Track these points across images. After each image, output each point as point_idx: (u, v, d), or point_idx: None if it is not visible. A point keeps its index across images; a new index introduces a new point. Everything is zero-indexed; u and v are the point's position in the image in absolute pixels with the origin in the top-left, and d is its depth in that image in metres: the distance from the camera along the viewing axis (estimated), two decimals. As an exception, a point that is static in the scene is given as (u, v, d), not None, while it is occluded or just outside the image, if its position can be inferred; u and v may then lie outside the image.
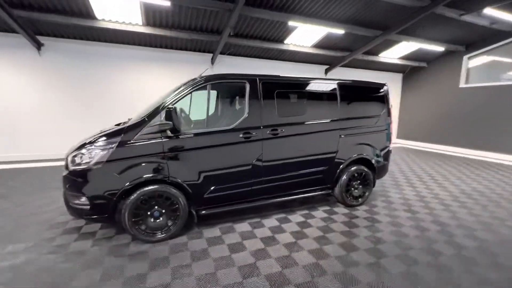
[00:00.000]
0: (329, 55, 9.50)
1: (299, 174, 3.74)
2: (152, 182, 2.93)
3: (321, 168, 3.90)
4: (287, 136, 3.55)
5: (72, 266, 2.55)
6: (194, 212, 3.20)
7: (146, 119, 2.95)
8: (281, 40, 8.42)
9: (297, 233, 3.31)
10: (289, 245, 3.01)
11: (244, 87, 3.37)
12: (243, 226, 3.47)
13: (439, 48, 9.52)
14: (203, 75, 3.36)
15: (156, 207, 2.97)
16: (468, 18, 7.10)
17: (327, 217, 3.82)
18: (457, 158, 8.99)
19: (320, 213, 3.98)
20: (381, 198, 4.72)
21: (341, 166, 4.03)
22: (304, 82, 3.74)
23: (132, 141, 2.85)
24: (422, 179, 6.06)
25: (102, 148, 2.80)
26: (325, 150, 3.88)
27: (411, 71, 12.20)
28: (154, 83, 8.30)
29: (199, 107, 4.36)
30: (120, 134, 2.85)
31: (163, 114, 2.90)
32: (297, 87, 3.67)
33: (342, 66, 10.63)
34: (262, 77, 3.46)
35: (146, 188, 2.87)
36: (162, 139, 2.94)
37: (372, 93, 4.33)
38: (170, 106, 2.90)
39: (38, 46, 6.91)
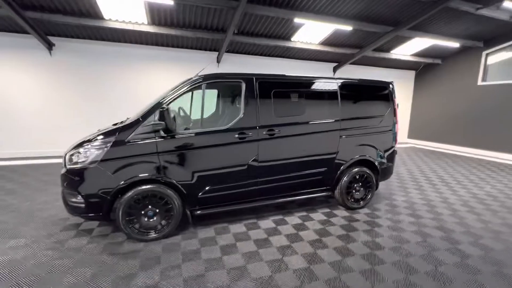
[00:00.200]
0: (337, 52, 9.26)
1: (296, 176, 3.67)
2: (146, 182, 2.95)
3: (320, 170, 3.80)
4: (284, 136, 3.47)
5: (66, 263, 2.61)
6: (189, 212, 3.20)
7: (141, 119, 2.96)
8: (287, 38, 8.29)
9: (292, 236, 3.25)
10: (282, 248, 2.95)
11: (240, 87, 3.32)
12: (239, 227, 3.45)
13: (454, 44, 9.07)
14: (200, 74, 3.34)
15: (150, 206, 2.99)
16: (486, 11, 6.70)
17: (326, 220, 3.73)
18: (472, 159, 8.59)
19: (318, 215, 3.89)
20: (385, 201, 4.56)
21: (341, 168, 3.92)
22: (303, 81, 3.64)
23: (126, 141, 2.88)
24: (431, 181, 5.82)
25: (97, 147, 2.84)
26: (325, 151, 3.77)
27: (425, 69, 11.73)
28: (161, 81, 8.39)
29: (200, 107, 4.38)
30: (115, 134, 2.88)
31: (157, 114, 2.90)
32: (295, 86, 3.58)
33: (352, 63, 10.36)
34: (259, 76, 3.40)
35: (140, 188, 2.89)
36: (156, 139, 2.95)
37: (376, 92, 4.17)
38: (162, 106, 2.89)
39: (50, 46, 7.14)
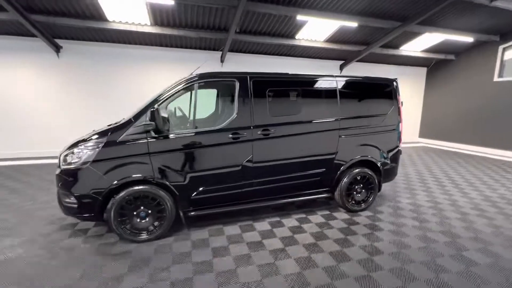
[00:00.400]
0: (344, 49, 9.03)
1: (293, 177, 3.56)
2: (138, 183, 2.92)
3: (318, 171, 3.68)
4: (279, 136, 3.37)
5: (58, 263, 2.62)
6: (182, 214, 3.16)
7: (132, 119, 2.95)
8: (291, 36, 8.15)
9: (287, 239, 3.15)
10: (275, 252, 2.86)
11: (234, 86, 3.25)
12: (233, 229, 3.38)
13: (468, 39, 8.65)
14: (195, 73, 3.29)
15: (142, 207, 2.97)
16: (501, 3, 6.33)
17: (324, 223, 3.60)
18: (487, 159, 8.17)
19: (317, 217, 3.77)
20: (388, 203, 4.38)
21: (341, 169, 3.78)
22: (299, 79, 3.52)
23: (118, 141, 2.86)
24: (440, 183, 5.56)
25: (89, 148, 2.84)
26: (323, 151, 3.65)
27: (437, 65, 11.28)
28: (165, 82, 8.40)
29: (200, 107, 4.35)
30: (107, 135, 2.88)
31: (148, 114, 2.88)
32: (290, 84, 3.47)
33: (359, 61, 10.09)
34: (253, 75, 3.31)
35: (131, 189, 2.87)
36: (147, 139, 2.92)
37: (378, 90, 4.00)
38: (153, 106, 2.86)
39: (57, 49, 7.31)
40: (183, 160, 3.05)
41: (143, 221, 3.00)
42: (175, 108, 3.90)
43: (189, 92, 3.60)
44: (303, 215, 3.83)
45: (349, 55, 9.73)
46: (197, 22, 6.97)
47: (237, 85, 3.23)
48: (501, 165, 7.33)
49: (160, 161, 2.96)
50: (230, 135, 3.17)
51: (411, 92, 11.86)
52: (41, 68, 7.41)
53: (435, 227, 3.50)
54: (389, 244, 3.04)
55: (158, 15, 6.56)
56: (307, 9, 6.50)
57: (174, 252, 2.85)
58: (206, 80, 3.19)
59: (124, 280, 2.37)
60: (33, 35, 6.77)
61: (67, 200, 2.89)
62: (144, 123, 2.88)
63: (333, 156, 3.71)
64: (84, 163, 2.81)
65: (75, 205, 2.85)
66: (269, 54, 9.39)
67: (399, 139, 4.18)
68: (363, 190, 3.97)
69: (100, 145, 2.83)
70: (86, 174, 2.81)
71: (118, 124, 2.97)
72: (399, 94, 4.14)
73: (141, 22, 6.79)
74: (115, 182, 2.81)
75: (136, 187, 2.89)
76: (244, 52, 9.09)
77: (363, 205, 3.95)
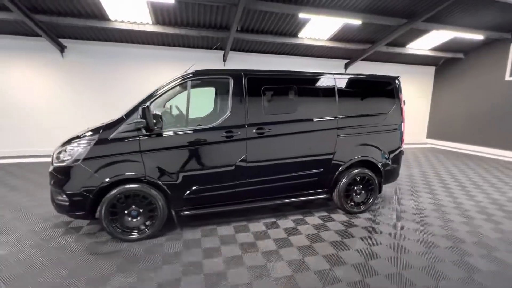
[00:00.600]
0: (348, 48, 8.87)
1: (289, 177, 3.46)
2: (129, 181, 2.89)
3: (315, 171, 3.58)
4: (274, 135, 3.29)
5: (47, 261, 2.60)
6: (174, 213, 3.11)
7: (124, 117, 2.92)
8: (294, 34, 8.04)
9: (281, 241, 3.06)
10: (268, 254, 2.78)
11: (228, 83, 3.18)
12: (227, 230, 3.31)
13: (478, 37, 8.36)
14: (189, 71, 3.24)
15: (133, 206, 2.93)
16: (512, -1, 6.07)
17: (321, 224, 3.50)
18: (497, 161, 7.88)
19: (314, 219, 3.67)
20: (390, 205, 4.24)
21: (340, 169, 3.66)
22: (295, 76, 3.43)
23: (109, 139, 2.84)
24: (446, 185, 5.36)
25: (80, 145, 2.82)
26: (320, 151, 3.54)
27: (445, 64, 10.96)
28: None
29: (199, 105, 4.31)
30: (98, 132, 2.86)
31: (140, 112, 2.83)
32: (287, 82, 3.38)
33: (364, 60, 9.89)
34: (248, 72, 3.24)
35: (122, 187, 2.83)
36: (140, 137, 2.88)
37: (378, 88, 3.87)
38: (144, 104, 2.81)
39: (62, 48, 7.41)
40: (175, 158, 3.00)
41: (135, 220, 2.96)
42: (170, 106, 3.86)
43: (185, 90, 3.57)
44: (300, 216, 3.74)
45: (353, 53, 9.55)
46: (199, 20, 6.95)
47: (231, 82, 3.17)
48: (512, 167, 7.05)
49: (152, 159, 2.92)
50: (223, 134, 3.10)
51: (419, 91, 11.57)
52: (45, 67, 7.52)
53: (438, 231, 3.35)
54: (387, 248, 2.92)
55: (160, 14, 6.56)
56: (309, 7, 6.38)
57: (164, 252, 2.80)
58: (199, 77, 3.14)
59: (111, 280, 2.33)
60: (37, 35, 6.87)
61: (59, 198, 2.88)
62: (135, 120, 2.85)
63: (331, 156, 3.60)
64: (76, 160, 2.79)
65: (67, 203, 2.83)
66: (272, 53, 9.30)
67: (401, 139, 4.04)
68: (363, 192, 3.85)
69: (91, 143, 2.81)
70: (77, 172, 2.79)
71: (110, 121, 2.94)
72: (401, 93, 4.00)
73: (143, 21, 6.81)
74: (106, 180, 2.79)
75: (127, 186, 2.85)
76: (247, 51, 9.03)
77: (362, 207, 3.83)
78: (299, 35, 8.10)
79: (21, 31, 6.87)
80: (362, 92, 3.77)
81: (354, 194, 3.81)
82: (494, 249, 2.93)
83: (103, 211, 2.81)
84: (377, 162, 3.81)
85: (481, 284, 2.33)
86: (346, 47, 8.74)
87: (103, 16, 6.46)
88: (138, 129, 2.86)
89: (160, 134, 2.95)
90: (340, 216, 3.77)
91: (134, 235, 2.95)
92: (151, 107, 2.85)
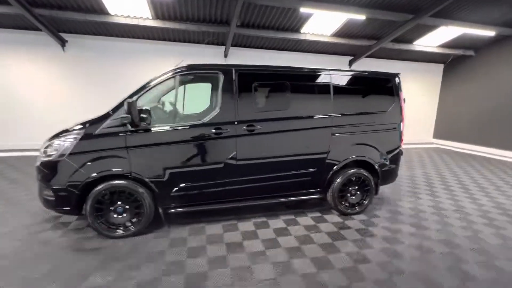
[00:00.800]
0: (352, 44, 8.64)
1: (281, 176, 3.37)
2: (115, 177, 2.84)
3: (308, 170, 3.47)
4: (265, 133, 3.19)
5: (31, 255, 2.59)
6: (161, 210, 3.06)
7: (111, 112, 2.87)
8: (296, 30, 7.87)
9: (269, 241, 2.97)
10: (254, 255, 2.70)
11: (218, 79, 3.09)
12: (215, 228, 3.25)
13: (489, 33, 8.02)
14: (179, 66, 3.16)
15: (119, 202, 2.89)
16: (525, -7, 5.77)
17: (313, 225, 3.40)
18: (506, 163, 7.59)
19: (306, 219, 3.57)
20: (388, 206, 4.10)
21: (334, 168, 3.54)
22: (289, 72, 3.31)
23: (95, 134, 2.79)
24: (449, 186, 5.18)
25: (66, 140, 2.79)
26: (313, 149, 3.43)
27: (455, 61, 10.59)
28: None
29: (197, 101, 4.24)
30: (84, 127, 2.81)
31: (125, 107, 2.77)
32: (279, 78, 3.27)
33: (369, 56, 9.65)
34: (239, 67, 3.14)
35: (108, 183, 2.79)
36: (126, 133, 2.83)
37: (377, 85, 3.71)
38: (130, 99, 2.75)
39: (63, 43, 7.43)
40: (162, 155, 2.94)
41: (120, 216, 2.92)
42: (163, 102, 3.79)
43: (180, 86, 3.50)
44: (292, 217, 3.64)
45: (358, 50, 9.30)
46: (198, 15, 6.85)
47: (221, 77, 3.07)
48: (520, 170, 6.77)
49: (138, 155, 2.86)
50: (212, 131, 3.02)
51: (426, 90, 11.25)
52: (47, 61, 7.57)
53: (435, 235, 3.21)
54: (379, 252, 2.80)
55: (159, 8, 6.50)
56: (311, 1, 6.21)
57: (149, 250, 2.75)
58: (188, 72, 3.05)
59: (91, 277, 2.29)
60: (38, 29, 6.89)
61: (46, 192, 2.86)
62: (121, 115, 2.79)
63: (325, 155, 3.48)
64: (61, 155, 2.76)
65: (53, 198, 2.81)
66: (275, 49, 9.15)
67: (401, 139, 3.88)
68: (358, 193, 3.72)
69: (77, 138, 2.77)
70: (62, 166, 2.75)
71: (97, 116, 2.90)
72: (401, 91, 3.83)
73: (143, 15, 6.76)
74: (91, 176, 2.75)
75: (113, 182, 2.81)
76: (249, 46, 8.91)
77: (357, 208, 3.70)
78: (302, 31, 7.93)
79: (22, 25, 6.91)
80: (359, 90, 3.63)
81: (349, 195, 3.69)
82: (493, 256, 2.78)
83: (88, 206, 2.77)
84: (374, 163, 3.68)
85: (475, 294, 2.20)
86: (350, 43, 8.52)
87: (102, 11, 6.43)
88: (124, 125, 2.80)
89: (147, 130, 2.89)
90: (333, 217, 3.66)
91: (119, 232, 2.91)
92: (138, 102, 2.78)
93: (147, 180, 2.90)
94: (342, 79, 3.52)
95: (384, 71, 3.88)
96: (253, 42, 8.60)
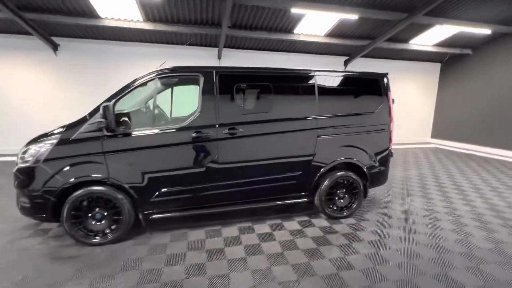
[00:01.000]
0: (347, 44, 8.56)
1: (265, 180, 3.29)
2: (92, 183, 2.77)
3: (293, 173, 3.38)
4: (247, 136, 3.11)
5: (5, 263, 2.53)
6: (141, 216, 2.99)
7: (87, 116, 2.81)
8: (289, 30, 7.80)
9: (252, 247, 2.89)
10: (234, 262, 2.62)
11: (198, 81, 3.03)
12: (198, 234, 3.17)
13: (485, 31, 7.91)
14: (160, 68, 3.10)
15: (97, 209, 2.83)
16: (520, -10, 5.67)
17: (299, 230, 3.32)
18: (504, 163, 7.46)
19: (293, 224, 3.48)
20: (378, 209, 4.01)
21: (321, 171, 3.46)
22: (271, 74, 3.23)
23: (71, 140, 2.73)
24: (443, 188, 5.07)
25: (42, 146, 2.73)
26: (298, 152, 3.35)
27: (452, 60, 10.48)
28: (161, 79, 8.37)
29: (186, 104, 4.18)
30: (60, 132, 2.76)
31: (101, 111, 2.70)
32: (261, 79, 3.20)
33: (365, 56, 9.56)
34: (220, 69, 3.07)
35: (85, 189, 2.72)
36: (103, 138, 2.76)
37: (364, 86, 3.63)
38: (106, 103, 2.68)
39: (55, 47, 7.41)
40: (140, 160, 2.87)
41: (99, 223, 2.85)
42: (142, 105, 3.71)
43: (159, 88, 3.46)
44: (278, 221, 3.56)
45: (353, 50, 9.22)
46: (190, 17, 6.80)
47: (202, 80, 3.01)
48: (518, 170, 6.65)
49: (116, 161, 2.80)
50: (192, 134, 2.94)
51: (423, 89, 11.13)
52: (39, 65, 7.55)
53: (424, 239, 3.11)
54: (364, 258, 2.71)
55: (149, 11, 6.45)
56: (302, 1, 6.14)
57: (127, 257, 2.68)
58: (168, 75, 2.99)
59: (64, 286, 2.22)
60: (29, 33, 6.87)
61: (22, 199, 2.80)
62: (97, 120, 2.73)
63: (311, 157, 3.40)
64: (37, 161, 2.70)
65: (28, 205, 2.75)
66: (269, 50, 9.09)
67: (390, 140, 3.80)
68: (346, 196, 3.64)
69: (53, 143, 2.71)
70: (38, 173, 2.69)
71: (73, 121, 2.84)
72: (389, 91, 3.75)
73: (133, 18, 6.72)
74: (67, 182, 2.68)
75: (90, 188, 2.74)
76: (242, 48, 8.85)
77: (345, 212, 3.61)
78: (295, 31, 7.86)
79: (14, 29, 6.89)
80: (346, 90, 3.55)
81: (337, 198, 3.60)
82: (483, 261, 2.68)
83: (64, 213, 2.71)
84: (362, 165, 3.59)
85: (460, 303, 2.11)
86: (344, 43, 8.43)
87: (92, 14, 6.40)
88: (101, 129, 2.73)
89: (125, 134, 2.82)
90: (321, 222, 3.57)
91: (97, 239, 2.84)
92: (116, 105, 2.70)
93: (125, 185, 2.83)
94: (327, 80, 3.44)
95: (375, 71, 3.80)
96: (246, 44, 8.54)
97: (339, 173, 3.50)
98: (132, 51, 8.10)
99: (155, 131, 2.92)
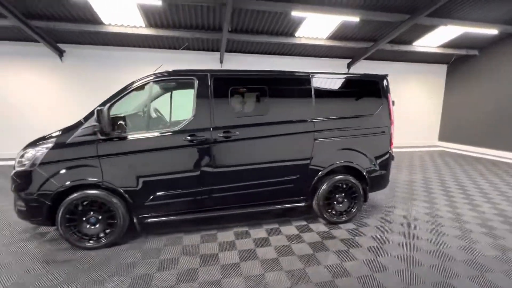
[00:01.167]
0: (349, 47, 8.49)
1: (260, 184, 3.23)
2: (87, 187, 2.78)
3: (291, 177, 3.33)
4: (242, 139, 3.08)
5: (-1, 268, 2.54)
6: (136, 220, 2.97)
7: (83, 120, 2.83)
8: (290, 34, 7.79)
9: (247, 253, 2.84)
10: (227, 267, 2.57)
11: (193, 84, 3.02)
12: (193, 239, 3.14)
13: (492, 32, 7.73)
14: (156, 71, 3.12)
15: (91, 213, 2.83)
16: (526, -12, 5.53)
17: (296, 235, 3.24)
18: (513, 167, 7.21)
19: (290, 228, 3.42)
20: (379, 214, 3.90)
21: (318, 175, 3.39)
22: (266, 76, 3.20)
23: (66, 144, 2.75)
24: (448, 192, 4.91)
25: (38, 149, 2.75)
26: (295, 156, 3.29)
27: (458, 62, 10.27)
28: (164, 84, 8.46)
29: (171, 107, 4.21)
30: (56, 136, 2.78)
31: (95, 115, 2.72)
32: (257, 82, 3.17)
33: (368, 59, 9.46)
34: (214, 73, 3.06)
35: (79, 193, 2.73)
36: (98, 142, 2.77)
37: (363, 88, 3.56)
38: (100, 107, 2.70)
39: (60, 53, 7.58)
40: (134, 164, 2.87)
41: (93, 227, 2.85)
42: (138, 108, 3.72)
43: (155, 92, 3.47)
44: (276, 226, 3.49)
45: (355, 52, 9.14)
46: (191, 22, 6.87)
47: (196, 83, 3.00)
48: (529, 173, 6.41)
49: (110, 164, 2.80)
50: (186, 138, 2.93)
51: (429, 91, 10.93)
52: (46, 71, 7.73)
53: (425, 245, 3.00)
54: (362, 265, 2.62)
55: (151, 17, 6.55)
56: (302, 4, 6.13)
57: (120, 262, 2.66)
58: (162, 78, 3.00)
59: (53, 292, 2.22)
60: (36, 41, 7.05)
61: (18, 203, 2.82)
62: (92, 124, 2.74)
63: (308, 161, 3.33)
64: (33, 165, 2.72)
65: (24, 209, 2.77)
66: (270, 53, 9.09)
67: (390, 143, 3.70)
68: (346, 200, 3.55)
69: (49, 146, 2.74)
70: (33, 176, 2.71)
71: (70, 125, 2.86)
72: (389, 93, 3.67)
73: (136, 24, 6.83)
74: (62, 185, 2.69)
75: (85, 192, 2.75)
76: (244, 52, 8.88)
77: (344, 217, 3.53)
78: (296, 35, 7.84)
79: (21, 37, 7.08)
80: (343, 92, 3.49)
81: (335, 202, 3.52)
82: (487, 269, 2.56)
83: (59, 217, 2.72)
84: (361, 168, 3.51)
85: (460, 314, 2.00)
86: (347, 46, 8.37)
87: (96, 20, 6.53)
88: (95, 133, 2.75)
89: (120, 138, 2.83)
90: (319, 226, 3.49)
91: (91, 243, 2.83)
92: (106, 110, 2.70)
93: (120, 189, 2.83)
94: (324, 82, 3.39)
95: (377, 73, 3.70)
96: (248, 48, 8.57)
97: (338, 177, 3.42)
98: (134, 56, 8.22)
99: (149, 134, 2.92)
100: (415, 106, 10.81)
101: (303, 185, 3.40)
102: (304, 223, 3.59)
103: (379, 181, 3.70)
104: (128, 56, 8.19)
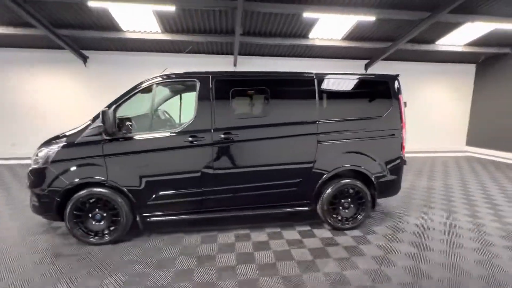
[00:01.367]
0: (366, 47, 8.22)
1: (262, 186, 3.19)
2: (94, 185, 2.90)
3: (293, 181, 3.25)
4: (244, 141, 3.06)
5: (5, 258, 2.71)
6: (138, 219, 3.05)
7: (91, 121, 2.97)
8: (304, 35, 7.70)
9: (245, 256, 2.80)
10: (223, 270, 2.55)
11: (195, 86, 3.07)
12: (193, 239, 3.16)
13: (525, 27, 7.11)
14: (162, 74, 3.21)
15: (97, 210, 2.95)
16: None
17: (297, 240, 3.15)
18: (552, 175, 6.52)
19: (292, 233, 3.33)
20: (390, 222, 3.69)
21: (322, 178, 3.28)
22: (268, 78, 3.17)
23: (75, 143, 2.90)
24: (471, 200, 4.54)
25: (50, 148, 2.92)
26: (297, 159, 3.21)
27: (488, 60, 9.55)
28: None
29: (175, 109, 4.30)
30: (68, 136, 2.94)
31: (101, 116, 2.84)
32: (258, 84, 3.14)
33: (387, 59, 9.09)
34: (216, 74, 3.09)
35: (86, 190, 2.86)
36: (104, 142, 2.90)
37: (371, 89, 3.41)
38: (105, 108, 2.82)
39: (84, 59, 8.09)
40: (138, 163, 2.95)
41: (98, 224, 2.97)
42: (152, 111, 3.84)
43: (158, 94, 3.57)
44: (278, 229, 3.42)
45: (373, 53, 8.82)
46: (204, 26, 7.03)
47: (198, 85, 3.04)
48: None
49: (115, 164, 2.91)
50: (187, 139, 2.97)
51: (456, 93, 10.26)
52: (72, 76, 8.29)
53: (437, 257, 2.78)
54: (363, 275, 2.48)
55: (166, 22, 6.79)
56: (314, 6, 6.03)
57: (121, 259, 2.73)
58: (165, 81, 3.08)
59: (57, 284, 2.32)
60: (62, 48, 7.57)
61: (33, 198, 3.01)
62: (97, 124, 2.87)
63: (311, 164, 3.24)
64: (46, 162, 2.90)
65: (37, 204, 2.95)
66: (284, 56, 9.05)
67: (402, 147, 3.50)
68: (352, 206, 3.40)
69: (59, 146, 2.90)
70: (46, 173, 2.88)
71: (81, 125, 3.02)
72: (400, 94, 3.48)
73: (152, 30, 7.11)
74: (70, 182, 2.84)
75: (92, 189, 2.87)
76: (258, 54, 8.92)
77: (349, 223, 3.37)
78: (310, 36, 7.74)
79: (49, 45, 7.65)
80: (349, 94, 3.36)
81: (341, 208, 3.38)
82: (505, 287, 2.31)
83: (67, 212, 2.86)
84: (369, 173, 3.34)
85: (467, 335, 1.82)
86: (363, 46, 8.12)
87: (115, 28, 6.90)
88: (101, 133, 2.87)
89: (125, 138, 2.93)
90: (323, 232, 3.36)
91: (95, 239, 2.95)
92: (112, 111, 2.81)
93: (123, 188, 2.92)
94: (329, 83, 3.29)
95: (395, 74, 3.51)
96: (261, 50, 8.59)
97: (343, 181, 3.29)
98: (151, 60, 8.55)
99: (151, 135, 2.99)
100: (440, 108, 10.20)
101: (307, 188, 3.30)
102: (307, 228, 3.48)
103: (389, 187, 3.51)
104: (145, 60, 8.56)
